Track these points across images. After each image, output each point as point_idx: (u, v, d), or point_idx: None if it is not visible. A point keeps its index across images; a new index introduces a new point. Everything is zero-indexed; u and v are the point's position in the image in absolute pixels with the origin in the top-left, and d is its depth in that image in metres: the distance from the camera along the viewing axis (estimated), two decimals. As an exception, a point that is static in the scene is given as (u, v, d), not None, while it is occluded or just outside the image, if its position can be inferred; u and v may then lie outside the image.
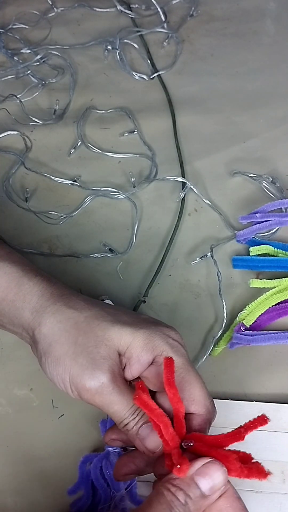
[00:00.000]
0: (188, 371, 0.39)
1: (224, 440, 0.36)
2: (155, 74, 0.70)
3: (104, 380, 0.38)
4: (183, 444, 0.36)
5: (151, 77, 0.70)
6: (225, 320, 0.53)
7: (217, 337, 0.52)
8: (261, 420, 0.35)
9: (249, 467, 0.34)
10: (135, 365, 0.40)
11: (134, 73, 0.70)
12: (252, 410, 0.48)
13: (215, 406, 0.40)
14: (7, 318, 0.43)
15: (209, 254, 0.56)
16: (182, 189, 0.61)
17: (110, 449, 0.45)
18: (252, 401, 0.49)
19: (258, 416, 0.36)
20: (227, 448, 0.36)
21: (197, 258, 0.57)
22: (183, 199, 0.60)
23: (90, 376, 0.38)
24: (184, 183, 0.61)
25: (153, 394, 0.41)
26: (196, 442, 0.36)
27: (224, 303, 0.53)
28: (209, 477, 0.34)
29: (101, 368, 0.38)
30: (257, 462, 0.34)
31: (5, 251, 0.45)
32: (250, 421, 0.36)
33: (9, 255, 0.44)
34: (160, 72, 0.71)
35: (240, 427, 0.36)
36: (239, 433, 0.35)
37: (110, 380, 0.38)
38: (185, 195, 0.61)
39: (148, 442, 0.38)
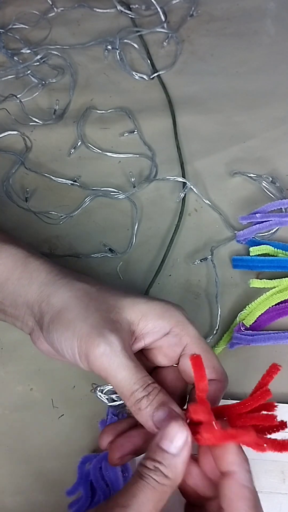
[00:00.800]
0: (203, 342, 0.40)
1: (252, 402, 0.35)
2: (155, 74, 0.70)
3: (113, 340, 0.37)
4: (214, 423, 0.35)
5: (151, 77, 0.70)
6: (217, 327, 0.53)
7: (208, 342, 0.52)
8: (274, 368, 0.35)
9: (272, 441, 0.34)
10: (150, 334, 0.39)
11: (134, 73, 0.70)
12: (252, 410, 0.48)
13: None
14: (10, 299, 0.42)
15: (209, 257, 0.56)
16: (182, 189, 0.61)
17: None
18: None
19: (270, 366, 0.35)
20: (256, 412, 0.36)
21: (197, 261, 0.57)
22: (183, 199, 0.60)
23: (98, 334, 0.37)
24: (184, 183, 0.61)
25: (151, 371, 0.41)
26: (227, 414, 0.36)
27: (219, 311, 0.53)
28: (169, 436, 0.34)
29: (110, 329, 0.37)
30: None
31: (9, 236, 0.44)
32: (264, 374, 0.36)
33: (13, 239, 0.44)
34: (160, 72, 0.71)
35: (259, 384, 0.36)
36: (265, 390, 0.35)
37: (119, 340, 0.37)
38: (185, 195, 0.61)
39: (168, 430, 0.35)
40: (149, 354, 0.42)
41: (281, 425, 0.35)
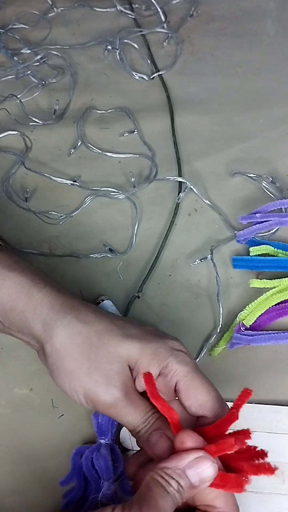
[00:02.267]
0: (193, 378, 0.40)
1: (221, 425, 0.37)
2: (155, 74, 0.70)
3: (118, 395, 0.40)
4: None
5: (151, 77, 0.70)
6: (220, 325, 0.53)
7: (211, 342, 0.52)
8: (245, 393, 0.37)
9: (256, 465, 0.36)
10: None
11: (134, 73, 0.70)
12: (251, 411, 0.48)
13: (225, 407, 0.41)
14: (16, 327, 0.44)
15: (209, 256, 0.56)
16: (181, 189, 0.61)
17: (102, 441, 0.45)
18: (252, 402, 0.48)
19: (241, 392, 0.37)
20: (226, 432, 0.37)
21: (197, 260, 0.57)
22: (179, 198, 0.60)
23: (105, 392, 0.40)
24: (182, 183, 0.61)
25: None
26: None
27: (221, 309, 0.53)
28: (199, 470, 0.36)
29: (115, 384, 0.40)
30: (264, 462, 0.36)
31: (13, 260, 0.45)
32: (236, 399, 0.37)
33: (17, 264, 0.45)
34: (160, 72, 0.71)
35: (231, 408, 0.37)
36: (232, 414, 0.37)
37: (123, 395, 0.40)
38: (183, 195, 0.61)
39: (157, 448, 0.40)
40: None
41: (262, 454, 0.36)
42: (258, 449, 0.36)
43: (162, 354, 0.41)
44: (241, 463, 0.36)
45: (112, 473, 0.44)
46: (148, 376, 0.39)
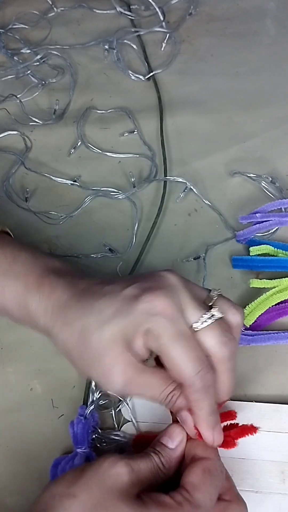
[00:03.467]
0: (172, 345, 0.38)
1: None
2: (150, 74, 0.70)
3: (121, 383, 0.40)
4: None
5: (146, 77, 0.70)
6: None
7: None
8: (251, 429, 0.43)
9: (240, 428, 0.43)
10: (140, 350, 0.40)
11: (130, 73, 0.70)
12: (251, 410, 0.48)
13: (206, 377, 0.39)
14: (21, 323, 0.45)
15: (202, 255, 0.56)
16: (181, 190, 0.61)
17: (79, 450, 0.45)
18: (252, 401, 0.49)
19: (250, 426, 0.43)
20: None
21: (190, 258, 0.57)
22: (178, 198, 0.60)
23: (110, 384, 0.40)
24: (182, 183, 0.61)
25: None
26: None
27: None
28: (170, 436, 0.40)
29: (114, 376, 0.40)
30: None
31: (8, 260, 0.45)
32: (241, 430, 0.43)
33: (13, 266, 0.45)
34: (155, 72, 0.71)
35: (229, 433, 0.42)
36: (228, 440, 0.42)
37: (126, 381, 0.40)
38: (183, 195, 0.61)
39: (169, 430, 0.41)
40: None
41: (252, 429, 0.43)
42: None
43: (139, 321, 0.38)
44: (228, 432, 0.42)
45: None
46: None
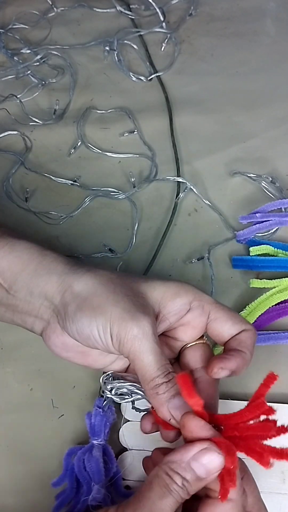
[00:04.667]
0: (223, 305, 0.42)
1: (249, 414, 0.36)
2: (153, 76, 0.70)
3: (145, 323, 0.38)
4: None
5: (149, 78, 0.70)
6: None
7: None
8: (271, 378, 0.37)
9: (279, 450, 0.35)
10: (173, 314, 0.41)
11: (131, 74, 0.70)
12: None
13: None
14: (24, 291, 0.42)
15: (206, 256, 0.56)
16: (180, 189, 0.61)
17: (94, 442, 0.45)
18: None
19: (267, 376, 0.36)
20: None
21: (194, 259, 0.57)
22: (177, 197, 0.60)
23: (131, 317, 0.38)
24: (182, 183, 0.61)
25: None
26: (224, 424, 0.37)
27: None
28: (204, 462, 0.35)
29: (143, 312, 0.39)
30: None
31: (22, 235, 0.45)
32: (261, 384, 0.36)
33: (26, 237, 0.44)
34: (157, 74, 0.71)
35: (256, 393, 0.36)
36: (259, 403, 0.36)
37: (151, 324, 0.39)
38: (183, 195, 0.61)
39: (179, 415, 0.37)
40: (178, 333, 0.43)
41: (281, 430, 0.35)
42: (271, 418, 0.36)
43: (188, 287, 0.41)
44: (261, 446, 0.36)
45: (103, 476, 0.43)
46: (181, 378, 0.35)
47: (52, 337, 0.42)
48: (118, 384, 0.44)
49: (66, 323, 0.40)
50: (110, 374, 0.44)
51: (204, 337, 0.43)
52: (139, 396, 0.42)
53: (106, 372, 0.44)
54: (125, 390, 0.43)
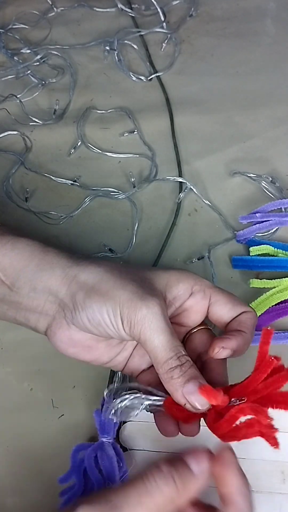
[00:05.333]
0: (222, 289, 0.43)
1: (261, 374, 0.37)
2: (153, 76, 0.70)
3: (154, 303, 0.39)
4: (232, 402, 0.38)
5: (149, 78, 0.70)
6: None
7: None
8: (267, 333, 0.38)
9: None
10: (177, 298, 0.42)
11: (132, 74, 0.70)
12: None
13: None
14: (28, 287, 0.42)
15: (206, 255, 0.56)
16: (181, 189, 0.61)
17: (104, 439, 0.45)
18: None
19: (262, 333, 0.38)
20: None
21: (194, 259, 0.57)
22: (179, 198, 0.60)
23: (140, 298, 0.39)
24: (182, 183, 0.61)
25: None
26: (244, 394, 0.38)
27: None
28: (199, 460, 0.35)
29: (151, 293, 0.39)
30: None
31: (23, 232, 0.45)
32: (260, 342, 0.38)
33: (27, 235, 0.44)
34: (157, 74, 0.71)
35: (259, 354, 0.38)
36: (268, 362, 0.37)
37: (159, 304, 0.39)
38: (183, 195, 0.61)
39: (196, 399, 0.37)
40: (181, 319, 0.43)
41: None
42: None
43: (188, 273, 0.42)
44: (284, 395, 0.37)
45: (118, 474, 0.43)
46: (268, 333, 0.37)
47: (58, 332, 0.41)
48: (120, 403, 0.42)
49: (76, 312, 0.40)
50: (114, 388, 0.43)
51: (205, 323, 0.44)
52: (144, 405, 0.42)
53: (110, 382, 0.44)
54: (129, 402, 0.42)
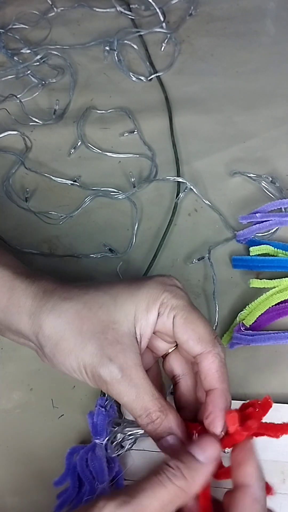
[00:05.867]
0: (190, 311, 0.39)
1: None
2: (153, 76, 0.70)
3: (112, 369, 0.38)
4: None
5: (149, 78, 0.70)
6: (216, 324, 0.53)
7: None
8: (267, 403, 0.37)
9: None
10: (147, 328, 0.40)
11: (132, 74, 0.70)
12: (252, 410, 0.48)
13: (221, 343, 0.40)
14: (3, 325, 0.43)
15: (206, 256, 0.56)
16: (180, 189, 0.61)
17: (97, 441, 0.45)
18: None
19: (263, 401, 0.37)
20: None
21: (195, 260, 0.57)
22: (177, 197, 0.60)
23: (99, 363, 0.38)
24: (182, 183, 0.61)
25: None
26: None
27: (217, 308, 0.53)
28: (203, 447, 0.35)
29: (110, 356, 0.38)
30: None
31: None
32: (259, 410, 0.37)
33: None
34: (157, 74, 0.71)
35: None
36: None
37: (119, 368, 0.38)
38: (183, 195, 0.61)
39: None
40: (155, 342, 0.42)
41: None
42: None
43: (156, 293, 0.39)
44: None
45: (107, 475, 0.43)
46: (232, 417, 0.35)
47: (44, 359, 0.42)
48: (113, 440, 0.45)
49: (45, 360, 0.42)
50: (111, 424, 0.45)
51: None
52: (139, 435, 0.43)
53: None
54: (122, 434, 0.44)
